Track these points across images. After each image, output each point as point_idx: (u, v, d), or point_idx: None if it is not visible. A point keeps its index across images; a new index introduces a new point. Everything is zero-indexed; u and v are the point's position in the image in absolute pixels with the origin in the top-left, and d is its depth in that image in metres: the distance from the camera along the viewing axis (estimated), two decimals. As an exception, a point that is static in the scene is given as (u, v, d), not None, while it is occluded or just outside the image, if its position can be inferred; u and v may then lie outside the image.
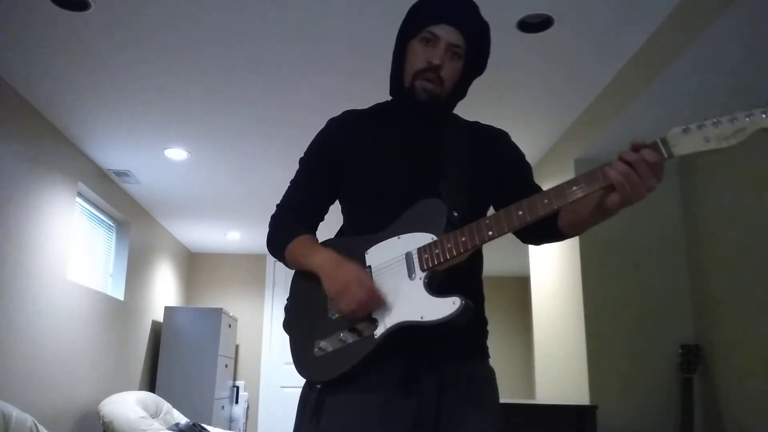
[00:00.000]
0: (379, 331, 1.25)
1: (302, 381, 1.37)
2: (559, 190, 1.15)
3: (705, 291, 3.42)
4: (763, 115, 0.99)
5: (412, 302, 1.23)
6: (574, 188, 1.13)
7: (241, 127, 3.89)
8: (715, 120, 1.03)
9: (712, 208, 3.39)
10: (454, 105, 1.48)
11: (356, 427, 1.25)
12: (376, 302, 1.24)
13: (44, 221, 3.80)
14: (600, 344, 3.45)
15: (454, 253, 1.21)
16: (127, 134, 4.00)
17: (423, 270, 1.24)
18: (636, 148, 1.10)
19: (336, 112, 1.53)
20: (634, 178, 1.09)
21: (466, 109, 1.54)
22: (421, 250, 1.25)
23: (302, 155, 1.52)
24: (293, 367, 1.38)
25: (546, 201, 1.15)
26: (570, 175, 3.72)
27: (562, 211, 1.26)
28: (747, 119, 1.00)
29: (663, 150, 1.07)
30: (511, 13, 2.65)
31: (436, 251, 1.23)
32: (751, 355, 3.02)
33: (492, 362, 1.42)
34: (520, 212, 1.17)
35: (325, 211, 1.52)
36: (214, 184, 4.95)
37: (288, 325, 1.44)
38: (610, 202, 1.14)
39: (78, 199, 4.45)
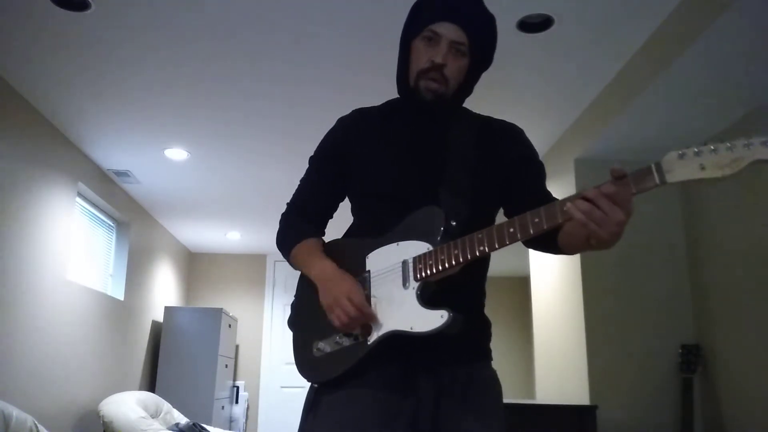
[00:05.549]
0: (372, 338, 1.26)
1: (302, 381, 1.38)
2: (551, 209, 1.12)
3: (705, 291, 3.42)
4: (762, 146, 0.94)
5: (403, 312, 1.24)
6: (565, 209, 1.10)
7: (241, 127, 3.88)
8: (713, 147, 0.98)
9: (712, 207, 3.39)
10: (461, 101, 1.47)
11: (353, 426, 1.25)
12: (365, 318, 1.26)
13: (44, 221, 3.80)
14: (600, 344, 3.46)
15: (446, 265, 1.21)
16: (127, 134, 4.00)
17: (416, 280, 1.24)
18: (615, 176, 1.06)
19: (339, 111, 1.53)
20: (597, 215, 1.05)
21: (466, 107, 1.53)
22: (416, 260, 1.25)
23: (312, 154, 1.53)
24: (293, 366, 1.39)
25: (536, 220, 1.13)
26: (570, 175, 3.73)
27: (561, 232, 1.24)
28: (745, 149, 0.96)
29: (656, 176, 1.02)
30: (511, 13, 2.65)
31: (430, 262, 1.23)
32: (751, 355, 3.02)
33: (493, 362, 1.42)
34: (511, 230, 1.16)
35: (334, 209, 1.52)
36: (214, 184, 4.95)
37: (292, 323, 1.46)
38: (591, 240, 1.11)
39: (78, 199, 4.45)
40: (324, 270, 1.34)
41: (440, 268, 1.22)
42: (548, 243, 1.31)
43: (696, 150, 0.99)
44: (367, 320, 1.26)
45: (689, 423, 3.18)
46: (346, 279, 1.29)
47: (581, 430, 3.21)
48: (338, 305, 1.26)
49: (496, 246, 1.17)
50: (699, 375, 3.37)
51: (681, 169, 1.00)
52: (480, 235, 1.19)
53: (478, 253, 1.19)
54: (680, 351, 3.38)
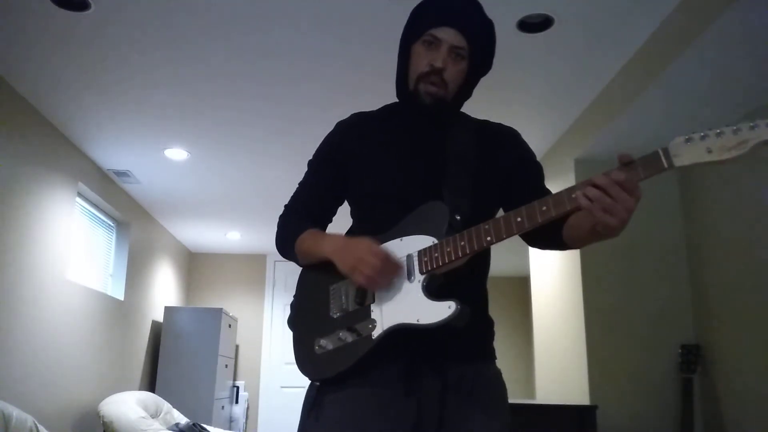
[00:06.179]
0: (376, 332, 1.25)
1: (302, 381, 1.37)
2: (559, 197, 1.14)
3: (705, 291, 3.42)
4: None
5: (409, 304, 1.23)
6: (573, 196, 1.12)
7: (241, 127, 3.89)
8: (718, 130, 0.99)
9: (712, 207, 3.39)
10: (460, 105, 1.48)
11: (355, 425, 1.25)
12: (392, 268, 1.24)
13: (44, 221, 3.80)
14: (600, 344, 3.46)
15: (453, 257, 1.21)
16: (127, 134, 4.00)
17: (422, 273, 1.24)
18: (623, 161, 1.08)
19: (339, 112, 1.53)
20: (608, 202, 1.07)
21: (464, 110, 1.54)
22: (421, 253, 1.25)
23: (311, 158, 1.53)
24: (293, 367, 1.39)
25: (544, 208, 1.14)
26: (570, 175, 3.73)
27: (566, 225, 1.26)
28: (750, 131, 0.97)
29: (664, 161, 1.03)
30: (511, 14, 2.65)
31: (435, 255, 1.23)
32: (751, 355, 3.02)
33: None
34: (519, 219, 1.16)
35: (333, 213, 1.52)
36: (214, 184, 4.95)
37: (292, 323, 1.45)
38: (598, 227, 1.13)
39: (78, 199, 4.45)
40: (336, 240, 1.33)
41: (446, 260, 1.22)
42: (552, 237, 1.32)
43: (702, 134, 1.01)
44: (394, 270, 1.24)
45: (689, 423, 3.18)
46: (362, 239, 1.28)
47: (581, 430, 3.21)
48: (362, 262, 1.23)
49: (504, 236, 1.18)
50: (699, 375, 3.38)
51: (688, 153, 1.02)
52: (486, 226, 1.20)
53: (485, 244, 1.19)
54: (680, 351, 3.38)
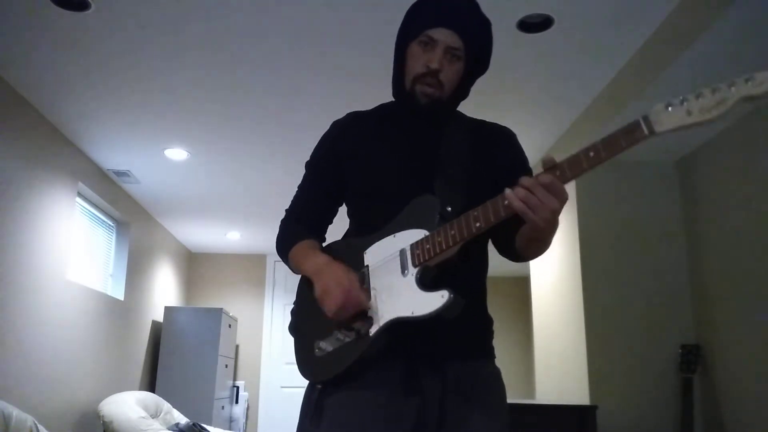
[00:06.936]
0: (373, 329, 1.25)
1: (302, 381, 1.37)
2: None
3: (705, 291, 3.42)
4: (746, 83, 0.96)
5: (404, 298, 1.24)
6: (506, 203, 1.17)
7: (241, 127, 3.89)
8: (697, 93, 0.99)
9: (712, 207, 3.39)
10: (456, 105, 1.47)
11: (355, 426, 1.24)
12: (353, 304, 1.25)
13: (44, 221, 3.80)
14: (600, 344, 3.46)
15: (444, 246, 1.22)
16: (127, 134, 4.00)
17: (415, 266, 1.25)
18: (546, 165, 1.12)
19: (338, 113, 1.53)
20: (534, 201, 1.11)
21: (464, 110, 1.54)
22: (413, 246, 1.26)
23: (308, 159, 1.53)
24: (293, 366, 1.39)
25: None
26: (570, 175, 3.72)
27: (518, 233, 1.31)
28: (729, 89, 0.97)
29: (645, 128, 1.03)
30: (511, 13, 2.65)
31: (427, 246, 1.24)
32: (751, 355, 3.02)
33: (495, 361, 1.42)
34: (506, 202, 1.16)
35: (333, 214, 1.53)
36: (214, 184, 4.95)
37: (292, 328, 1.45)
38: (526, 226, 1.21)
39: (78, 199, 4.45)
40: (317, 263, 1.34)
41: (438, 250, 1.22)
42: (509, 246, 1.36)
43: (681, 98, 1.01)
44: (357, 305, 1.25)
45: (689, 423, 3.18)
46: (337, 267, 1.29)
47: (581, 430, 3.21)
48: (327, 294, 1.26)
49: (492, 220, 1.18)
50: (699, 375, 3.38)
51: (668, 118, 1.02)
52: (476, 213, 1.20)
53: (474, 230, 1.20)
54: (680, 351, 3.38)
